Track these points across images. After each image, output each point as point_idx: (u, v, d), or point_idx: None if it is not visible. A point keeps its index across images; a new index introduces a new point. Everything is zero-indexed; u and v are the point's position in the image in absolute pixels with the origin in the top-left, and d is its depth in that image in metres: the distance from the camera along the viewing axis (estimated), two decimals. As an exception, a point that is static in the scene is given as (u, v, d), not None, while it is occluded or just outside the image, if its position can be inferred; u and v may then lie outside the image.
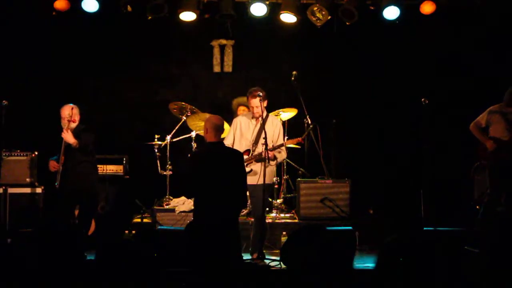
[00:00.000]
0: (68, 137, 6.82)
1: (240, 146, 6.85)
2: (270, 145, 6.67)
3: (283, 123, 8.26)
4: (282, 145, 6.83)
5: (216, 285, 3.93)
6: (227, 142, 6.78)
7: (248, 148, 6.86)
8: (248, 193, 6.72)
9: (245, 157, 6.78)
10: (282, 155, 6.95)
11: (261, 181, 6.60)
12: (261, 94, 6.71)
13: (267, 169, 6.60)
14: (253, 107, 6.79)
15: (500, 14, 8.42)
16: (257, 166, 6.74)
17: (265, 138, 6.58)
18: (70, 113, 6.86)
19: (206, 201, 5.91)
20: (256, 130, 6.88)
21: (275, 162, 6.89)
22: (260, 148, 6.75)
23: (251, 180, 6.65)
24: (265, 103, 6.80)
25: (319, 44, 9.05)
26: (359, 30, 8.83)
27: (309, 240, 3.00)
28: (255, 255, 6.66)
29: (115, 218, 8.19)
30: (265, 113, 6.86)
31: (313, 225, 3.38)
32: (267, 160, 6.59)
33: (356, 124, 9.10)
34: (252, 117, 6.89)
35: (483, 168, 7.72)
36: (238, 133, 6.93)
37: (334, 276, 3.06)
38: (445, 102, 8.59)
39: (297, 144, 7.53)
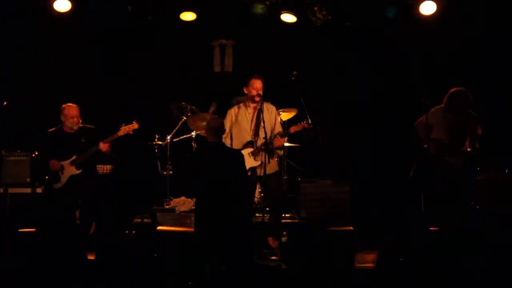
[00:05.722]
0: (109, 147, 7.04)
1: (239, 138, 6.83)
2: (268, 133, 6.65)
3: (283, 123, 8.29)
4: (289, 132, 6.91)
5: (218, 284, 3.94)
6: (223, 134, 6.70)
7: (250, 140, 6.84)
8: (257, 187, 6.73)
9: (250, 149, 6.78)
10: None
11: (267, 171, 6.61)
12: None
13: (271, 159, 6.63)
14: (257, 89, 6.77)
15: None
16: (262, 157, 6.73)
17: (264, 127, 6.58)
18: (78, 112, 6.97)
19: (206, 201, 5.91)
20: (254, 119, 6.87)
21: (282, 151, 6.91)
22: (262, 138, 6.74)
23: (261, 171, 6.67)
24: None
25: (319, 44, 9.05)
26: (359, 30, 8.85)
27: (309, 240, 3.00)
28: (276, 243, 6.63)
29: (115, 218, 8.19)
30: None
31: (313, 225, 3.39)
32: (274, 148, 6.60)
33: (356, 124, 9.09)
34: (248, 106, 6.88)
35: (420, 170, 7.61)
36: (235, 124, 6.91)
37: (334, 276, 3.07)
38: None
39: (297, 135, 7.53)
